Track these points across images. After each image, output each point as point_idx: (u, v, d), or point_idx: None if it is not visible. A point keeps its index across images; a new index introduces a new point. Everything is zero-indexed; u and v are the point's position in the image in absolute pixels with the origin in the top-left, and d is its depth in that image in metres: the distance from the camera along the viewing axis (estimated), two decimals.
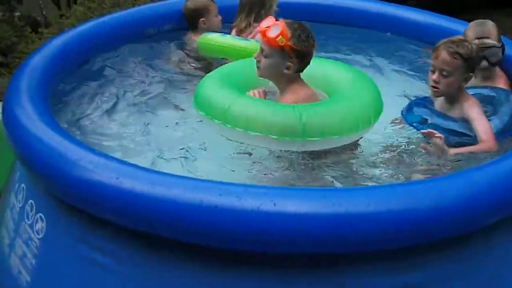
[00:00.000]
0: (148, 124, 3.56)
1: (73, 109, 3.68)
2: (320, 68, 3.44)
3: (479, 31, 3.71)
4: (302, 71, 3.26)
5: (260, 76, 3.32)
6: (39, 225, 2.79)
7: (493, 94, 3.52)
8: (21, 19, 8.65)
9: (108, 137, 3.47)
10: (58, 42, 3.79)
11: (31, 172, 2.85)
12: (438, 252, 2.37)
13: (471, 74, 3.30)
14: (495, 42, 3.66)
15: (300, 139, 2.98)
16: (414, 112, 3.45)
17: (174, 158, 3.17)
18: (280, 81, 3.29)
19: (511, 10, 9.96)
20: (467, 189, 2.34)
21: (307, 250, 2.27)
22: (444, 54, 3.23)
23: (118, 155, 3.07)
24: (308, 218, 2.18)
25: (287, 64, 3.17)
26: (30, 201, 2.90)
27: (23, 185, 3.03)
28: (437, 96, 3.39)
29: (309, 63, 3.24)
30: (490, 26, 3.73)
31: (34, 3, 12.55)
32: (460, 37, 3.46)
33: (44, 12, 12.37)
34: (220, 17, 4.56)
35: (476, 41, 3.57)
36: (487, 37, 3.66)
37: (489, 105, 3.44)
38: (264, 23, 3.24)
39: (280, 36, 3.11)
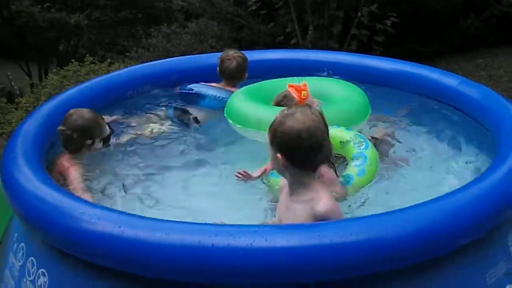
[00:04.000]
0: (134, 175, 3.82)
1: None
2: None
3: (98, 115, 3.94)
4: None
5: None
6: (41, 280, 2.94)
7: None
8: None
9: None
10: (47, 107, 4.03)
11: (35, 230, 3.02)
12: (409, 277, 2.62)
13: None
14: None
15: None
16: None
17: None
18: None
19: (471, 54, 10.48)
20: (432, 216, 2.62)
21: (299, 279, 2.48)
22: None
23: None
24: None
25: None
26: (31, 258, 3.06)
27: (22, 244, 3.19)
28: None
29: None
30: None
31: (3, 74, 12.79)
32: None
33: (12, 83, 12.60)
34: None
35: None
36: None
37: None
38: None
39: None
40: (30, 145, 3.53)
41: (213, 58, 5.07)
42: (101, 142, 3.86)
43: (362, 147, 3.57)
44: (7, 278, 3.23)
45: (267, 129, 2.85)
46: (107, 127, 3.89)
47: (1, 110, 7.79)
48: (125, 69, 5.39)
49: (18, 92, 10.84)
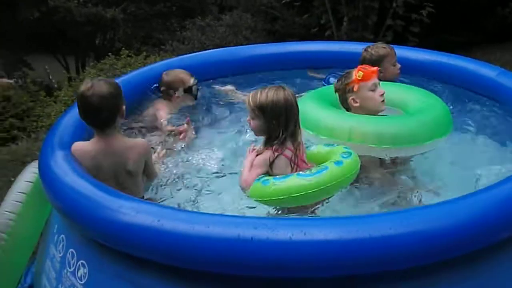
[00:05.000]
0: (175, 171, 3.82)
1: None
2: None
3: (186, 72, 4.77)
4: None
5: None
6: (81, 271, 2.99)
7: None
8: (35, 84, 9.03)
9: None
10: None
11: (75, 223, 3.06)
12: (454, 269, 2.58)
13: None
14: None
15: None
16: None
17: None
18: None
19: (509, 44, 10.27)
20: (476, 209, 2.58)
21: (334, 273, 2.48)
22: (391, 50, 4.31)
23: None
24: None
25: None
26: (71, 250, 3.11)
27: (62, 236, 3.25)
28: None
29: None
30: None
31: (41, 68, 13.00)
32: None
33: (50, 77, 12.81)
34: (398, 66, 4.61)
35: (192, 79, 4.75)
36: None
37: None
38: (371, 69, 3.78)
39: None
40: (68, 139, 3.58)
41: None
42: (184, 92, 4.71)
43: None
44: (49, 269, 3.29)
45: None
46: (190, 82, 4.70)
47: (40, 104, 7.90)
48: (162, 62, 5.45)
49: (56, 85, 11.01)
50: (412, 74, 4.73)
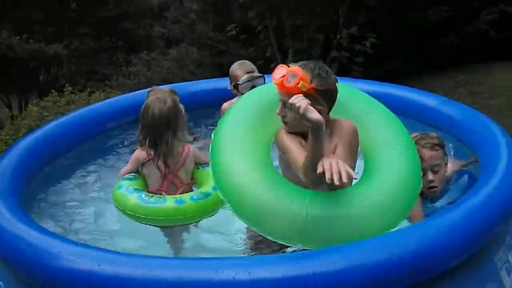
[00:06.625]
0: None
1: (41, 204, 3.86)
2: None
3: (246, 67, 4.37)
4: (331, 110, 2.92)
5: (292, 132, 2.93)
6: None
7: None
8: None
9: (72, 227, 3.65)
10: (25, 143, 3.98)
11: (14, 269, 2.94)
12: None
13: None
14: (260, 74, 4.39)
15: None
16: None
17: None
18: None
19: (451, 72, 10.54)
20: (419, 241, 2.58)
21: None
22: (428, 153, 3.37)
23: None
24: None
25: (317, 108, 2.68)
26: None
27: (0, 283, 3.11)
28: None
29: (335, 100, 2.91)
30: (250, 63, 4.47)
31: None
32: (418, 133, 3.51)
33: None
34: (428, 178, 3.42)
35: (246, 75, 4.28)
36: (253, 71, 4.36)
37: None
38: (277, 73, 2.84)
39: (301, 82, 2.74)
40: (6, 183, 3.49)
41: None
42: (234, 88, 4.34)
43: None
44: None
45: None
46: (241, 79, 4.30)
47: None
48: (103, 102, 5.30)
49: None
50: None
